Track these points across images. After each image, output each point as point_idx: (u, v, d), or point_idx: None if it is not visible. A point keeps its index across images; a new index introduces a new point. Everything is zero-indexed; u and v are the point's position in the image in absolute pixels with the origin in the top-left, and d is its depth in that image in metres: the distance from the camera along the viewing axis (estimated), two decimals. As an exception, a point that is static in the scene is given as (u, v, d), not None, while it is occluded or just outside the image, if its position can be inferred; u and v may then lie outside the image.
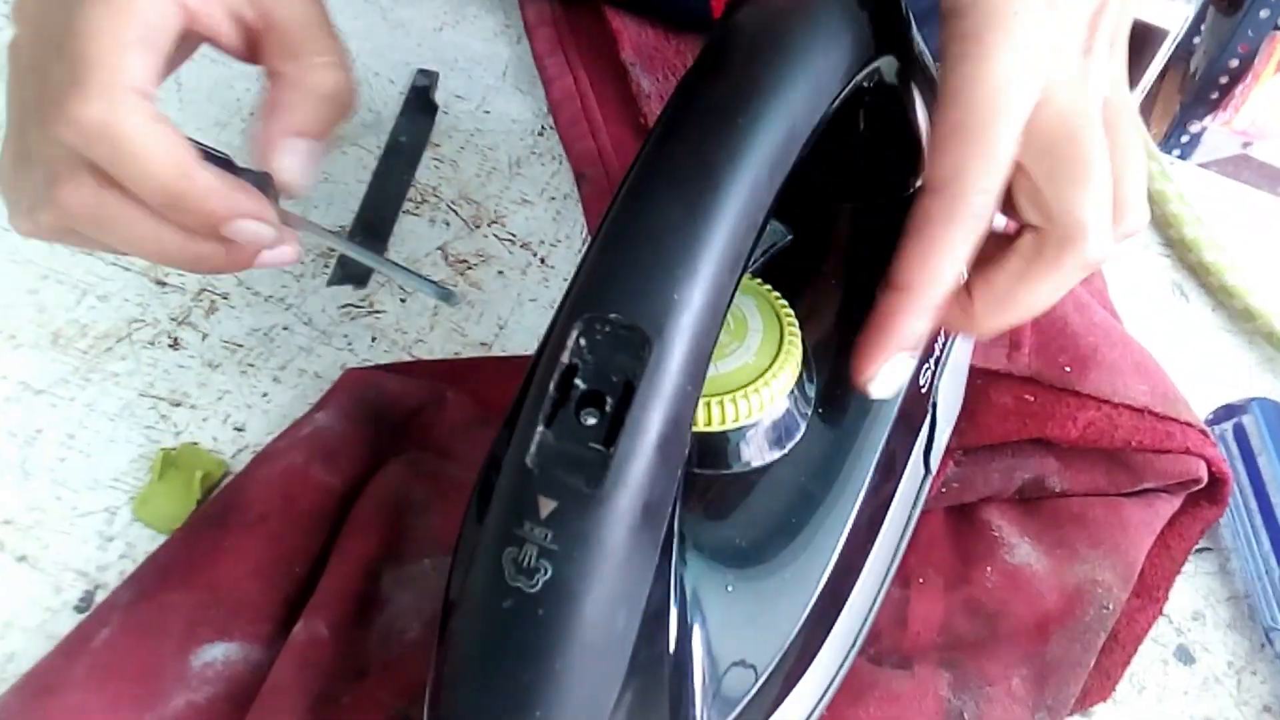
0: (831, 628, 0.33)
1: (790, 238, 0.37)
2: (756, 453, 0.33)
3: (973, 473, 0.40)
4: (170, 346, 0.43)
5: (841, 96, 0.30)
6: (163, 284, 0.45)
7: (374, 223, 0.48)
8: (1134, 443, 0.40)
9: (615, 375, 0.25)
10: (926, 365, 0.36)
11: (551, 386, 0.26)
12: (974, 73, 0.27)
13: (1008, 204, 0.29)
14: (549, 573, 0.25)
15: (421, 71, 0.53)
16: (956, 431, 0.41)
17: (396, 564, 0.36)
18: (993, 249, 0.29)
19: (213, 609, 0.34)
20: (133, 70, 0.28)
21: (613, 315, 0.26)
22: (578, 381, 0.26)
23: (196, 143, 0.30)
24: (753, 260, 0.37)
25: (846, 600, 0.33)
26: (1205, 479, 0.41)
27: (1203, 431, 0.41)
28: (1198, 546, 0.44)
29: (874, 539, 0.34)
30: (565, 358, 0.26)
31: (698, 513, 0.32)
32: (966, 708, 0.34)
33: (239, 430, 0.42)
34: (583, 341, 0.26)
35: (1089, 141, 0.27)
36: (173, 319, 0.44)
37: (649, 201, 0.27)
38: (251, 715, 0.32)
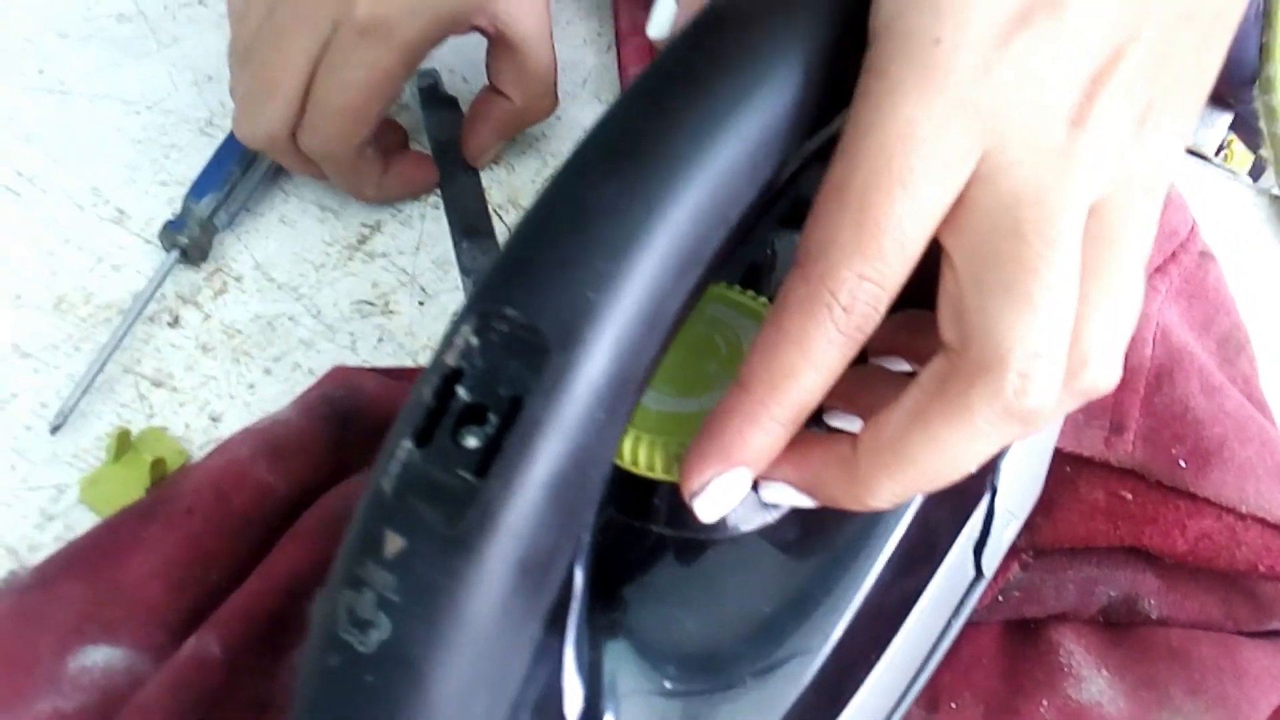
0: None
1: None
2: (732, 516, 0.26)
3: (1042, 581, 0.32)
4: (170, 324, 0.40)
5: None
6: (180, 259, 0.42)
7: (474, 224, 0.44)
8: (1263, 566, 0.31)
9: (504, 388, 0.20)
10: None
11: (428, 392, 0.20)
12: (870, 119, 0.20)
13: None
14: (387, 630, 0.20)
15: (422, 73, 0.49)
16: (1028, 527, 0.33)
17: (330, 589, 0.32)
18: (894, 391, 0.21)
19: (107, 607, 0.30)
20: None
21: (509, 311, 0.20)
22: (460, 391, 0.20)
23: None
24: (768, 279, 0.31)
25: None
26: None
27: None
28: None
29: (881, 650, 0.27)
30: (451, 359, 0.20)
31: (643, 585, 0.26)
32: None
33: (214, 420, 0.38)
34: (475, 341, 0.20)
35: (1043, 246, 0.19)
36: (179, 296, 0.41)
37: (581, 178, 0.21)
38: None
